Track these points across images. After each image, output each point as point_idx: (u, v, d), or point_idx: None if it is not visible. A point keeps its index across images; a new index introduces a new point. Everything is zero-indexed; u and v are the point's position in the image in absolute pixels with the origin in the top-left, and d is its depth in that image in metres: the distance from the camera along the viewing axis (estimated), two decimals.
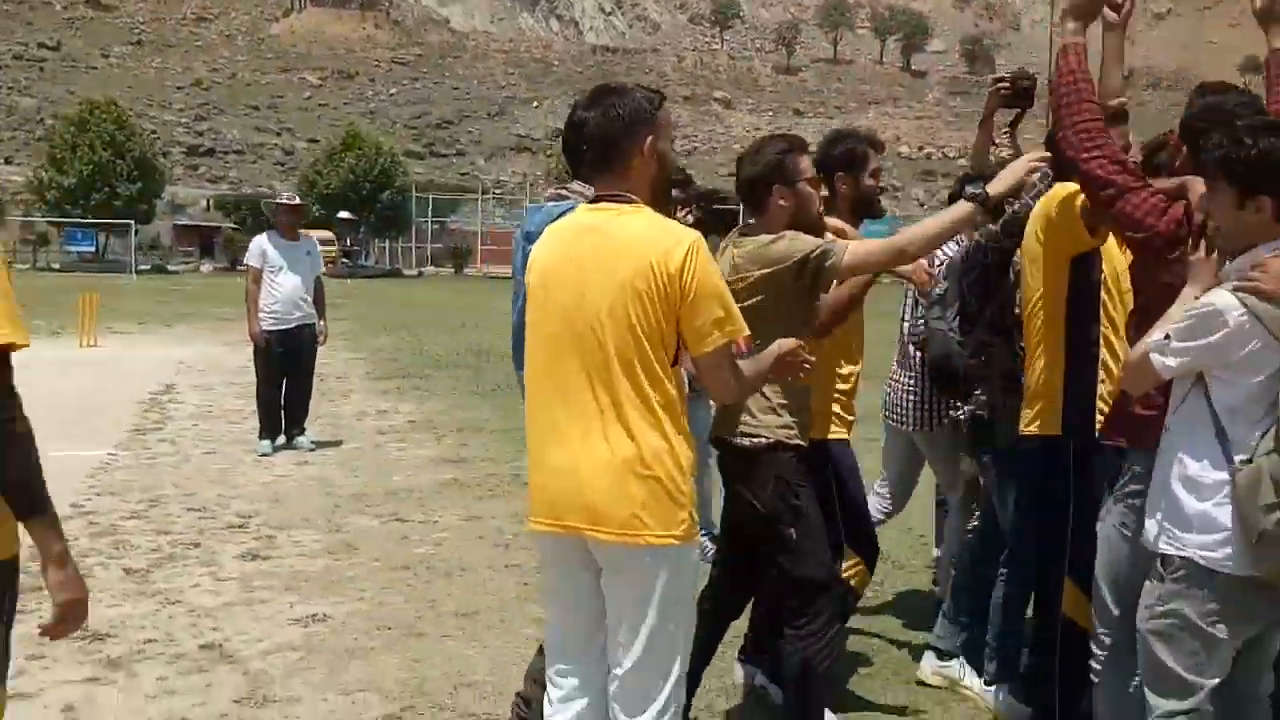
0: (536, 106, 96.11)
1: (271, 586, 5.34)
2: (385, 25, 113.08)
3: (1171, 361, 2.77)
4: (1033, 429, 3.69)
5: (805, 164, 3.56)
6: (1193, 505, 2.78)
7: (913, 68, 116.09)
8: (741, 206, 3.99)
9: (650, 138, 2.75)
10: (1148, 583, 2.89)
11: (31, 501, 2.28)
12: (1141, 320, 3.06)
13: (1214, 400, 2.78)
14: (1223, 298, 2.73)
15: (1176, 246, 2.99)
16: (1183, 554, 2.78)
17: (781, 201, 3.47)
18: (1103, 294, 3.62)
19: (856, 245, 3.42)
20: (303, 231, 9.31)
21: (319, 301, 9.16)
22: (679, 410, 2.68)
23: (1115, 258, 3.55)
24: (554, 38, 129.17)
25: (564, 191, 3.37)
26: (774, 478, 3.40)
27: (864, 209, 4.08)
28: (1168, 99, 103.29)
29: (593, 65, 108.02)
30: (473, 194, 64.63)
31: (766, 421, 3.42)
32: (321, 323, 9.21)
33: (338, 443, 9.23)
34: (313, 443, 8.97)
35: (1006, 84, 4.08)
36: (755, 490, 3.41)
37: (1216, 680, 2.81)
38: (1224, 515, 2.72)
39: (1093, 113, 3.15)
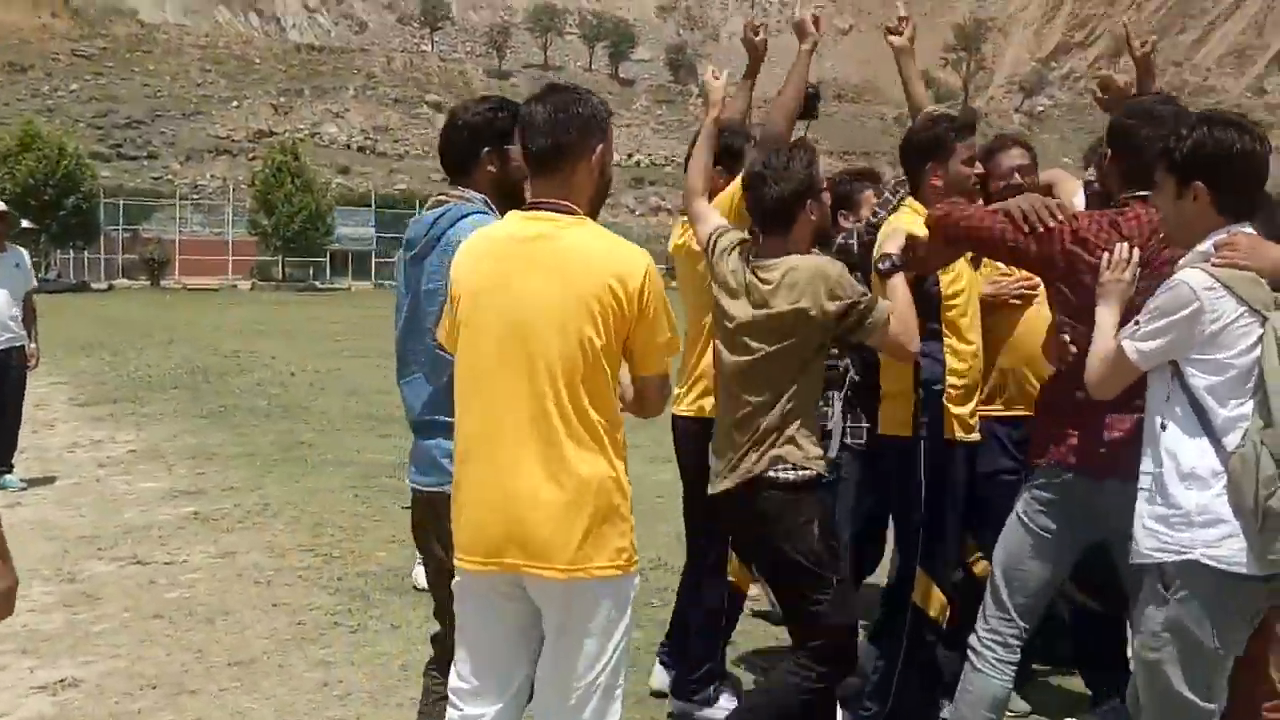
0: (237, 106, 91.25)
1: (3, 652, 4.77)
2: (63, 14, 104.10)
3: (1146, 345, 2.74)
4: (889, 430, 3.84)
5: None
6: (1192, 500, 2.65)
7: (620, 75, 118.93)
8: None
9: (600, 146, 2.63)
10: (1148, 608, 2.74)
11: None
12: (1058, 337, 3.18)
13: (1193, 387, 2.70)
14: (1190, 274, 2.72)
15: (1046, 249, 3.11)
16: (1186, 557, 2.64)
17: (813, 216, 3.36)
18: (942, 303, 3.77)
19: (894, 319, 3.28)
20: (10, 243, 8.45)
21: (29, 321, 8.34)
22: (621, 434, 2.59)
23: (950, 270, 3.74)
24: (254, 34, 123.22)
25: (444, 197, 3.15)
26: (818, 520, 3.24)
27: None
28: (854, 110, 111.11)
29: (297, 64, 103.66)
30: (169, 200, 60.70)
31: (812, 452, 3.27)
32: (33, 345, 8.41)
33: (51, 479, 8.40)
34: (22, 481, 8.12)
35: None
36: (801, 536, 3.21)
37: (1224, 701, 2.73)
38: (1225, 507, 2.62)
39: (960, 212, 3.34)
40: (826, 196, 3.49)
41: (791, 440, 3.22)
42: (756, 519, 3.27)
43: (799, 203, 3.30)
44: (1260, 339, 2.64)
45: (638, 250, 2.61)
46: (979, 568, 3.98)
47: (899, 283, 3.36)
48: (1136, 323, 2.77)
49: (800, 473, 3.21)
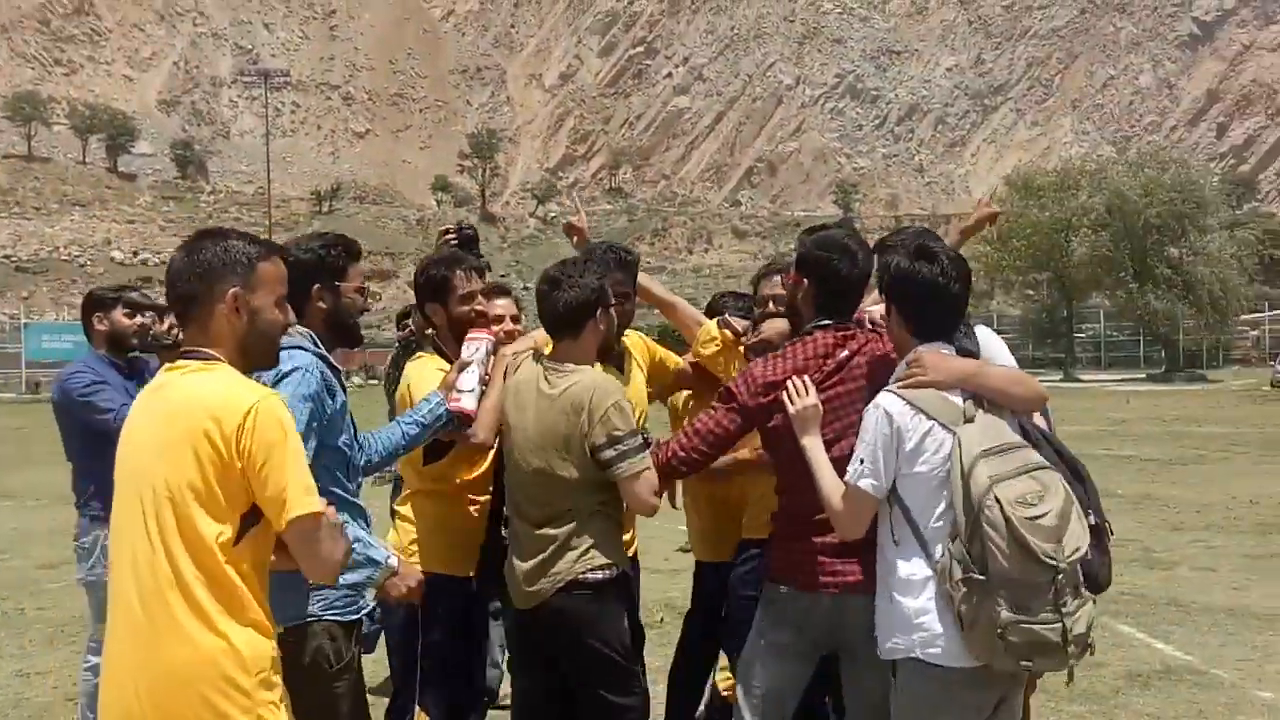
0: None
1: None
2: None
3: (873, 478, 2.93)
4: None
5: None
6: (909, 605, 2.89)
7: (120, 170, 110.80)
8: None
9: (234, 290, 2.48)
10: (891, 694, 2.98)
11: None
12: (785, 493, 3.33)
13: (903, 502, 2.93)
14: (883, 397, 2.97)
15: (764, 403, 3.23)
16: (909, 656, 2.88)
17: (601, 326, 3.46)
18: None
19: (651, 476, 3.33)
20: None
21: None
22: (246, 596, 2.36)
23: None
24: None
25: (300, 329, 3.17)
26: (625, 611, 3.36)
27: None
28: (375, 211, 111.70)
29: None
30: None
31: (610, 551, 3.37)
32: None
33: None
34: None
35: (453, 234, 4.24)
36: (613, 629, 3.35)
37: None
38: (936, 611, 2.85)
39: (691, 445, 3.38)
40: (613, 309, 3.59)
41: (594, 536, 3.34)
42: (549, 628, 3.37)
43: (589, 312, 3.42)
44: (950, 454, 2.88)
45: (251, 389, 2.41)
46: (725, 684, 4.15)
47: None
48: (861, 460, 2.96)
49: (608, 572, 3.33)
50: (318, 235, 3.33)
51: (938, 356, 3.00)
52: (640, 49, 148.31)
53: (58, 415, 4.88)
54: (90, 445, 4.74)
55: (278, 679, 2.41)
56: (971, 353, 3.22)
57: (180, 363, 2.49)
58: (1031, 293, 57.97)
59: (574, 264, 3.55)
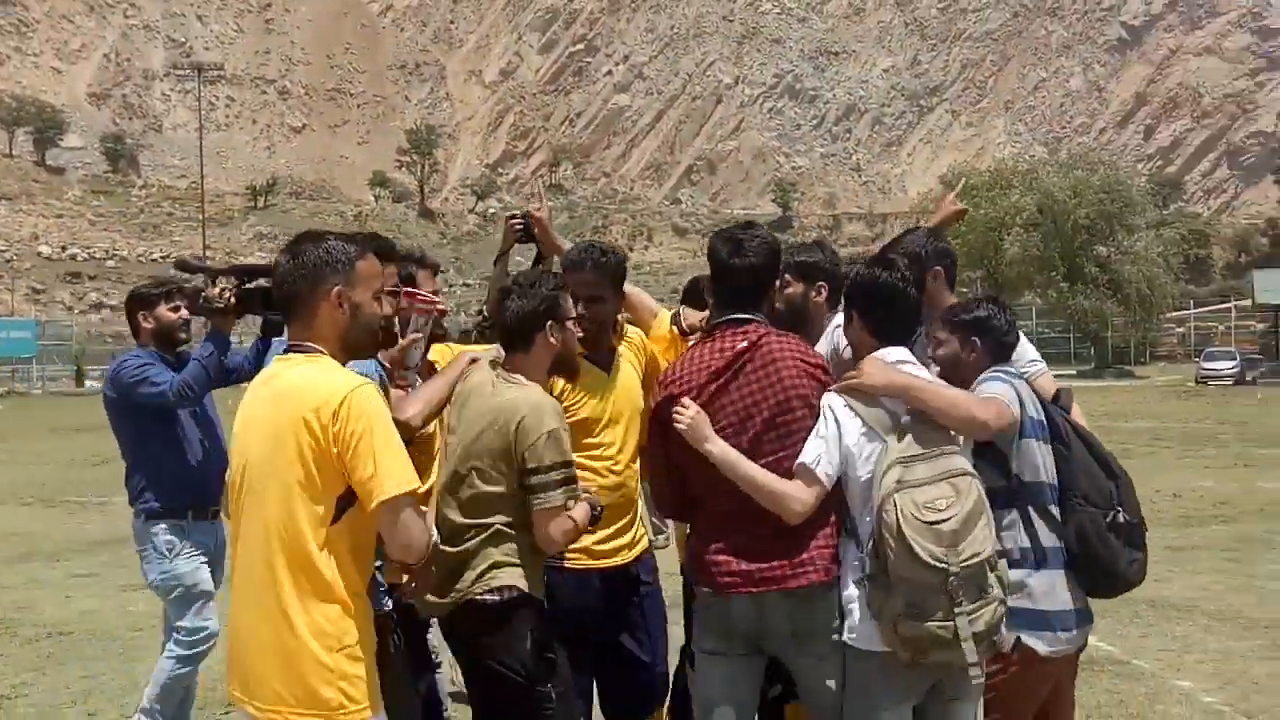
0: None
1: None
2: None
3: (827, 469, 3.09)
4: None
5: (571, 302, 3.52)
6: (844, 593, 3.11)
7: (49, 163, 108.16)
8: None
9: (338, 288, 2.67)
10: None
11: None
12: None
13: (845, 497, 3.15)
14: (829, 397, 3.16)
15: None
16: (843, 640, 3.10)
17: (553, 339, 3.37)
18: None
19: (564, 520, 3.25)
20: None
21: None
22: (339, 577, 2.58)
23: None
24: None
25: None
26: (529, 633, 3.20)
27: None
28: (312, 206, 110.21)
29: None
30: None
31: (513, 573, 3.23)
32: None
33: None
34: None
35: (520, 221, 4.21)
36: (511, 651, 3.19)
37: None
38: (858, 600, 3.06)
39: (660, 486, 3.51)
40: (572, 326, 3.49)
41: (487, 560, 3.23)
42: (456, 638, 3.34)
43: (538, 323, 3.34)
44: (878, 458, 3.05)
45: (345, 379, 2.61)
46: None
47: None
48: (816, 450, 3.10)
49: (505, 594, 3.21)
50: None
51: (879, 365, 3.14)
52: (581, 46, 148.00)
53: (109, 410, 4.94)
54: (144, 431, 4.81)
55: (363, 653, 2.58)
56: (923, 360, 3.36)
57: (289, 355, 2.70)
58: (966, 290, 58.97)
59: (531, 273, 3.52)
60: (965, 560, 2.89)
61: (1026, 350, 3.68)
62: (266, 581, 2.56)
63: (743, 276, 3.33)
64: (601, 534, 3.71)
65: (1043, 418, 3.32)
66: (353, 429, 2.51)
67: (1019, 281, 52.45)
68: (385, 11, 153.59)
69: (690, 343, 3.79)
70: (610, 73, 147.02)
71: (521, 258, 4.33)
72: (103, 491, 13.51)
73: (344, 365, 2.73)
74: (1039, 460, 3.25)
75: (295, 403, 2.57)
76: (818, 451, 3.09)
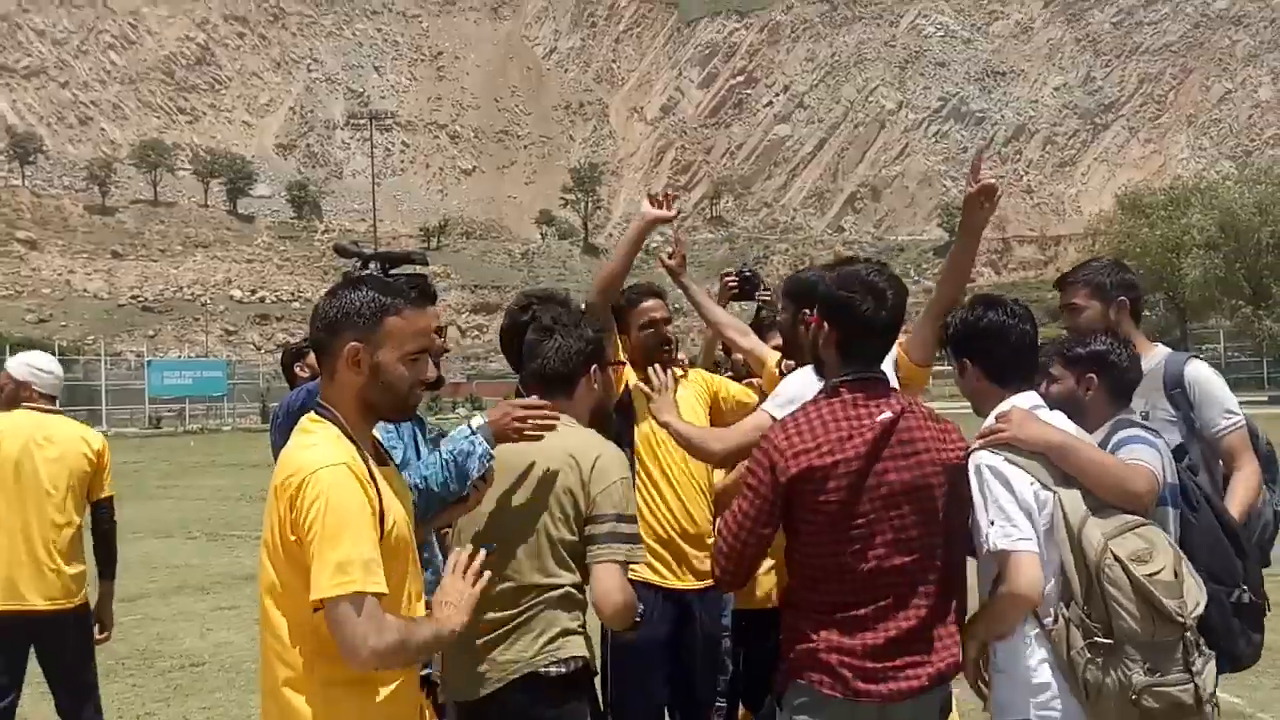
0: None
1: None
2: None
3: (1024, 536, 2.68)
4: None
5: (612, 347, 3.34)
6: (1019, 676, 2.72)
7: (240, 211, 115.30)
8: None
9: (354, 344, 2.39)
10: None
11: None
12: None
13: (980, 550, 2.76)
14: (982, 455, 2.78)
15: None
16: (1018, 717, 2.72)
17: (595, 385, 3.05)
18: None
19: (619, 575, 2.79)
20: None
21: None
22: (314, 656, 2.31)
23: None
24: None
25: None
26: (589, 713, 2.84)
27: None
28: (481, 246, 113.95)
29: None
30: None
31: (579, 643, 2.82)
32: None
33: None
34: None
35: (733, 278, 4.30)
36: None
37: None
38: (1052, 679, 2.68)
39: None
40: (612, 372, 3.26)
41: (545, 624, 2.80)
42: (521, 714, 2.80)
43: (583, 365, 3.01)
44: (1050, 511, 2.73)
45: (310, 457, 2.32)
46: None
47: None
48: (994, 522, 2.71)
49: (571, 663, 2.80)
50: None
51: (1026, 416, 2.86)
52: (740, 79, 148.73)
53: (275, 436, 5.07)
54: None
55: None
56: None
57: (310, 415, 2.46)
58: (1148, 313, 56.38)
59: (570, 312, 3.13)
60: (1194, 612, 2.66)
61: (1220, 396, 3.44)
62: (265, 663, 2.37)
63: (883, 332, 2.88)
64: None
65: (1177, 481, 3.08)
66: (308, 516, 2.24)
67: (1202, 305, 49.81)
68: (549, 55, 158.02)
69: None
70: (770, 103, 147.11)
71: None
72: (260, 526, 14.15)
73: (369, 430, 2.49)
74: (1170, 528, 2.99)
75: (280, 471, 2.38)
76: (1001, 529, 2.70)
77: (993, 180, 3.24)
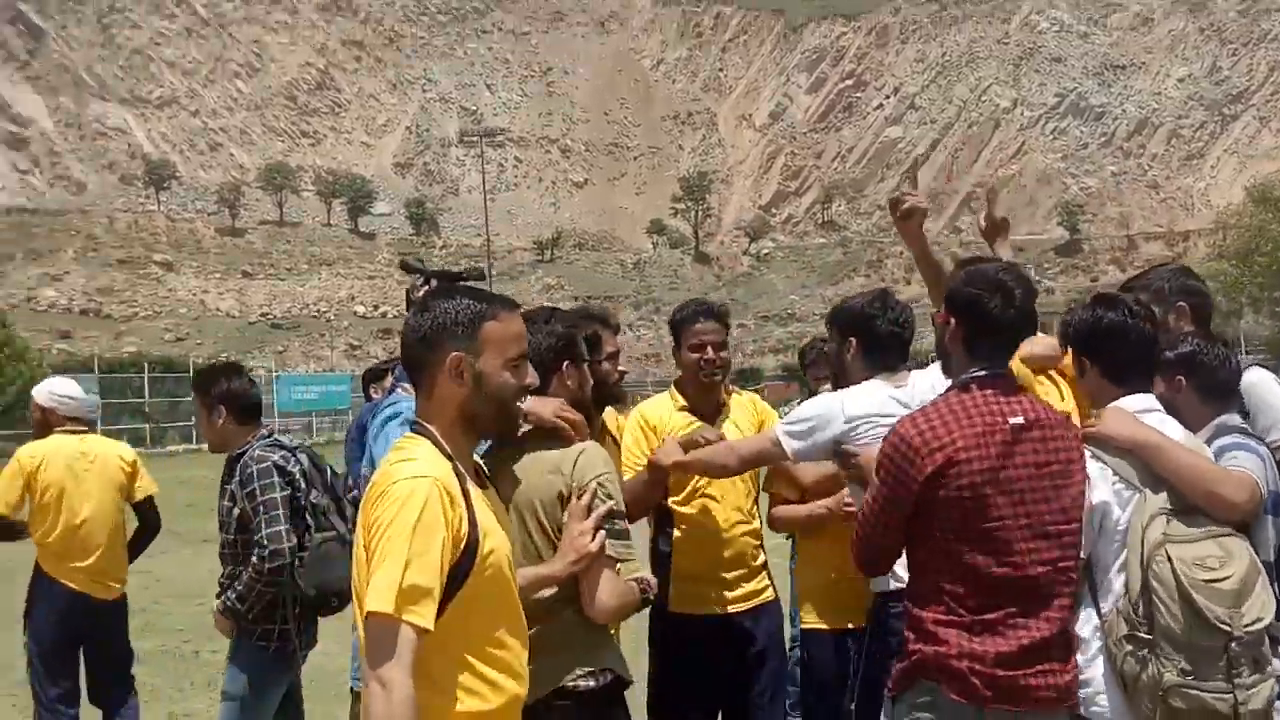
0: None
1: None
2: None
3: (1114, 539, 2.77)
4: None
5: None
6: (1080, 660, 2.73)
7: (361, 229, 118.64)
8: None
9: (456, 354, 2.31)
10: None
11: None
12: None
13: (1095, 549, 2.81)
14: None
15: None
16: (1078, 714, 2.72)
17: (569, 381, 3.03)
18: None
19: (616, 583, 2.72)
20: None
21: None
22: (453, 673, 2.22)
23: None
24: None
25: (406, 387, 3.14)
26: None
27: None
28: (594, 257, 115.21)
29: (6, 227, 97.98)
30: None
31: (614, 655, 2.81)
32: None
33: None
34: None
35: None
36: None
37: None
38: (1100, 669, 2.71)
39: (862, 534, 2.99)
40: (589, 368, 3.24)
41: (582, 635, 2.73)
42: None
43: (555, 361, 3.01)
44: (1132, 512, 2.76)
45: (401, 470, 2.22)
46: None
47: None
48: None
49: (600, 679, 2.75)
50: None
51: (1119, 413, 2.89)
52: (849, 82, 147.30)
53: (347, 448, 5.37)
54: None
55: None
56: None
57: (406, 434, 2.38)
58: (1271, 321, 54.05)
59: (541, 310, 3.16)
60: (1249, 625, 2.61)
61: (1277, 405, 3.29)
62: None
63: (1010, 330, 2.85)
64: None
65: (1278, 488, 3.03)
66: (377, 526, 2.14)
67: None
68: (657, 66, 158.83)
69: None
70: (881, 106, 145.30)
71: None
72: None
73: (469, 448, 2.40)
74: (1269, 537, 2.97)
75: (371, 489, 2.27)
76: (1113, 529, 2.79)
77: (913, 199, 3.66)
